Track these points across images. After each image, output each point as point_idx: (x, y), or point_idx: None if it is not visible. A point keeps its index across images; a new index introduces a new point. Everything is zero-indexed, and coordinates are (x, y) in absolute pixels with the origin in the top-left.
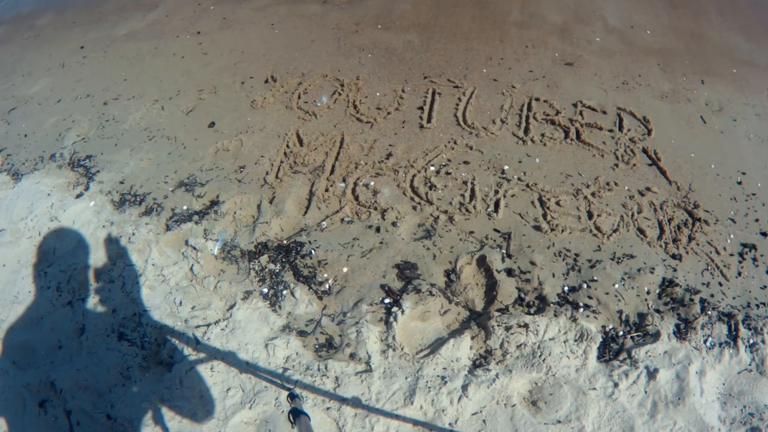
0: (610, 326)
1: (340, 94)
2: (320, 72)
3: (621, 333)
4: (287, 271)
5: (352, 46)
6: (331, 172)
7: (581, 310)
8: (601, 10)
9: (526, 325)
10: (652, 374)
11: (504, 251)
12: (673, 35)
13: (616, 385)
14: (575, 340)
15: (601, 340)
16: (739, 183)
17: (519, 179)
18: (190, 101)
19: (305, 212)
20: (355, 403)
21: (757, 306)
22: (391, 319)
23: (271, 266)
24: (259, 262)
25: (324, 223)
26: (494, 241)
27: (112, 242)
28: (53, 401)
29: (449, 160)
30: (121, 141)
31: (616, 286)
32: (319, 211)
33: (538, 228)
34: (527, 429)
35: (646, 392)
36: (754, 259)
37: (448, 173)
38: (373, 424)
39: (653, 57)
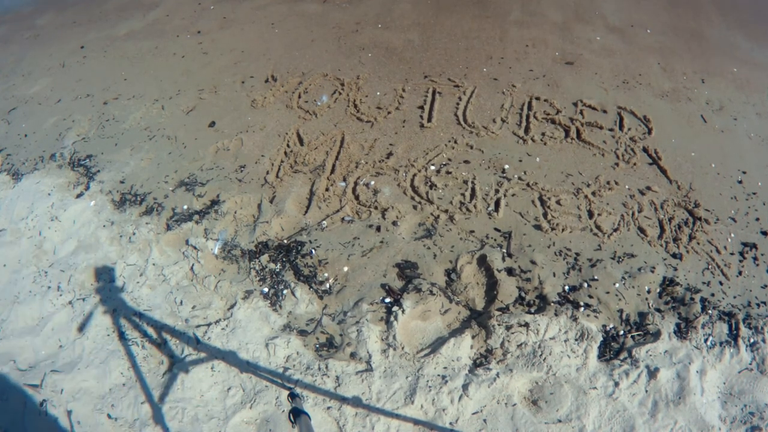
0: (611, 325)
1: (340, 93)
2: (320, 71)
3: (622, 332)
4: (288, 271)
5: (353, 45)
6: (332, 171)
7: (582, 309)
8: (601, 9)
9: (526, 325)
10: (652, 373)
11: (504, 250)
12: (673, 34)
13: (616, 384)
14: (576, 340)
15: (601, 339)
16: (740, 182)
17: (519, 178)
18: (190, 101)
19: (306, 211)
20: (356, 402)
21: (758, 305)
22: (392, 318)
23: (272, 266)
24: (259, 261)
25: (324, 222)
26: (495, 240)
27: (112, 242)
28: (54, 401)
29: (450, 160)
30: (121, 141)
31: (617, 285)
32: (320, 211)
33: (538, 227)
34: (528, 428)
35: (646, 391)
36: (755, 258)
37: (448, 172)
38: (373, 424)
39: (653, 56)
